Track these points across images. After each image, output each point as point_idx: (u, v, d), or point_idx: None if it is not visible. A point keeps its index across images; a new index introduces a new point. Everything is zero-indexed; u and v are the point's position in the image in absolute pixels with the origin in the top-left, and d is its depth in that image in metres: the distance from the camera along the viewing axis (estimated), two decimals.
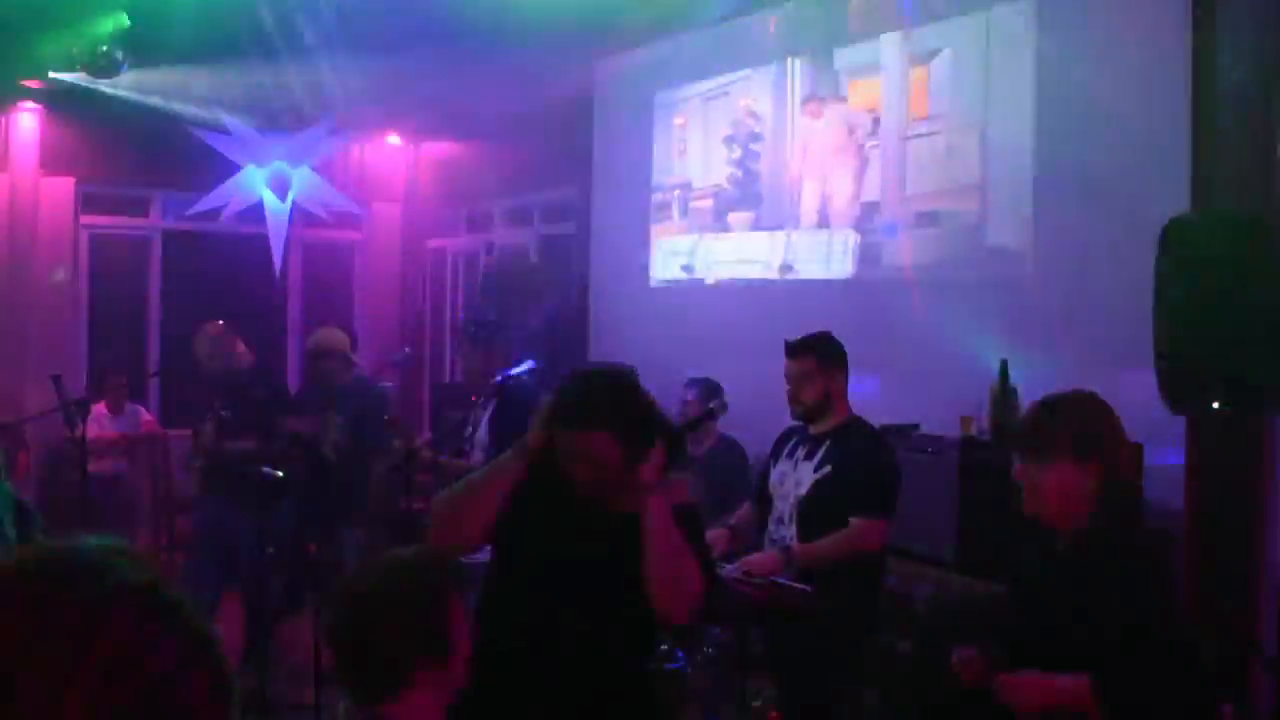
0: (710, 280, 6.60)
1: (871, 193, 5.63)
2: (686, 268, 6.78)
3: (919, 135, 5.39)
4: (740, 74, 6.49)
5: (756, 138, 6.34)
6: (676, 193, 6.91)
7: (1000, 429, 4.46)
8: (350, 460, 5.16)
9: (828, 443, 3.69)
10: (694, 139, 6.81)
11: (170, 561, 6.64)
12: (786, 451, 3.84)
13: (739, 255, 6.43)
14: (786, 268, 6.08)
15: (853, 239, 5.68)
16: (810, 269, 5.95)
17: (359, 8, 6.62)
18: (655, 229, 7.06)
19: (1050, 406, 2.42)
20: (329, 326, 5.63)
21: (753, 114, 6.34)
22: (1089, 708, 2.22)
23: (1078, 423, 2.36)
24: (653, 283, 7.05)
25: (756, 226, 6.33)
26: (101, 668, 0.86)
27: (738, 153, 6.44)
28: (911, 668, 4.13)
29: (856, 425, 3.75)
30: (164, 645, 0.89)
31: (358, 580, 1.92)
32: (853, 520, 3.57)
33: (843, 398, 3.77)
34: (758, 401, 5.58)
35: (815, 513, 3.64)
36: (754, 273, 6.30)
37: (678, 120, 6.95)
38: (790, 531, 3.68)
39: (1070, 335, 4.60)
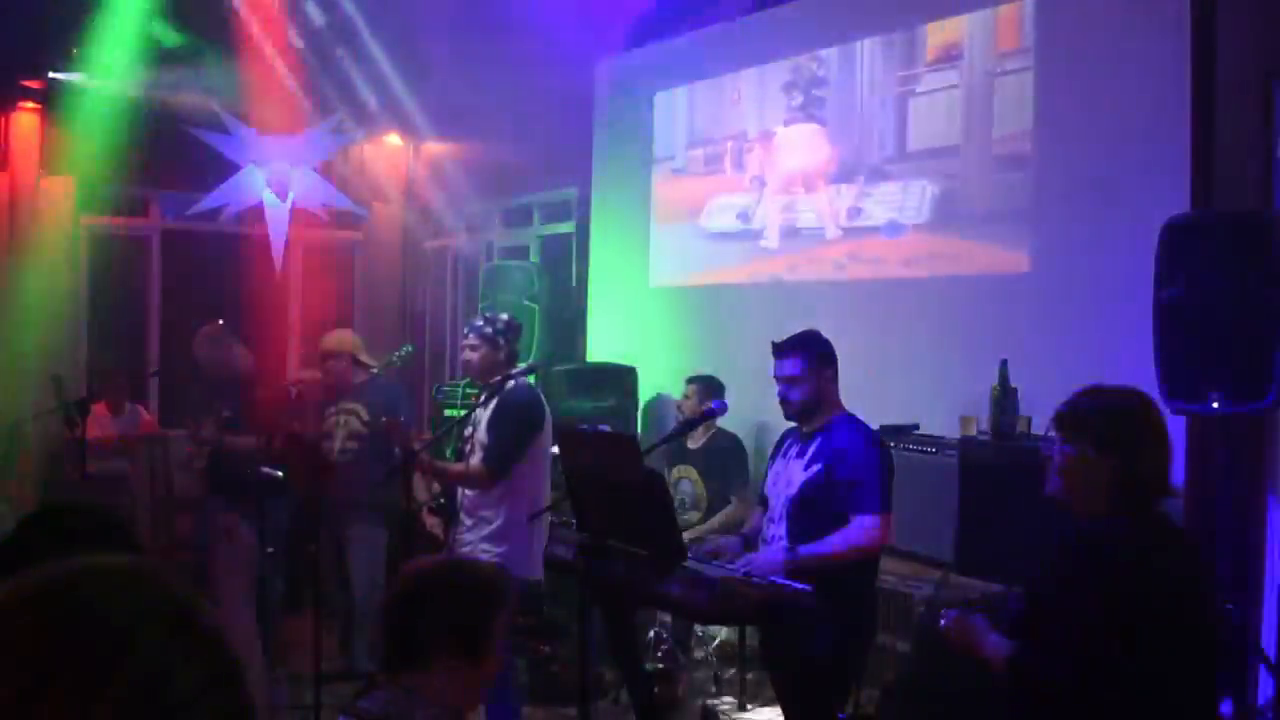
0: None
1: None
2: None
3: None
4: (743, 74, 6.49)
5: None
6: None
7: (1000, 429, 4.46)
8: (359, 459, 5.17)
9: (817, 440, 3.69)
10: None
11: (170, 562, 6.65)
12: (782, 451, 3.87)
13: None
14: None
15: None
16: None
17: (361, 7, 6.63)
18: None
19: (1092, 391, 2.46)
20: (341, 328, 5.66)
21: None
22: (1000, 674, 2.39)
23: (1110, 412, 2.39)
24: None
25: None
26: (123, 693, 0.85)
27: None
28: (911, 668, 4.13)
29: (848, 422, 3.72)
30: (187, 673, 0.88)
31: (430, 563, 2.13)
32: (854, 519, 3.57)
33: (833, 396, 3.76)
34: (757, 401, 5.58)
35: (804, 511, 3.64)
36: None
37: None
38: (781, 530, 3.68)
39: (1070, 335, 4.59)
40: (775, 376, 3.75)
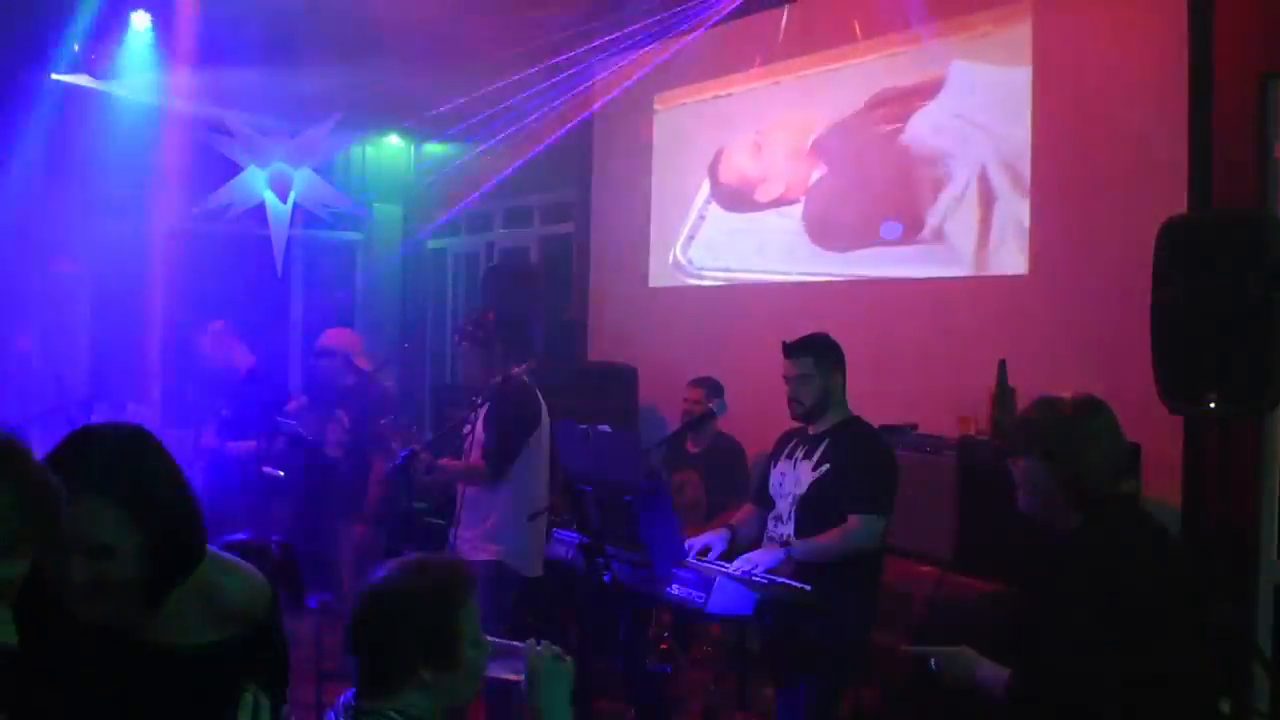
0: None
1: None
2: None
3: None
4: (742, 74, 6.49)
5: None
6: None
7: (998, 429, 4.47)
8: (351, 459, 5.17)
9: (826, 441, 3.71)
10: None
11: None
12: (786, 452, 3.86)
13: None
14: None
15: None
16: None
17: (360, 9, 6.64)
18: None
19: (1035, 403, 2.48)
20: (340, 327, 5.66)
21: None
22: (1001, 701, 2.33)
23: (1048, 419, 2.40)
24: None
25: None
26: None
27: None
28: (911, 668, 4.14)
29: (855, 424, 3.76)
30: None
31: (381, 577, 1.97)
32: (851, 518, 3.59)
33: (841, 398, 3.78)
34: (757, 402, 5.58)
35: (813, 510, 3.66)
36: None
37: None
38: (789, 529, 3.70)
39: (1069, 335, 4.60)
40: (785, 376, 3.76)
